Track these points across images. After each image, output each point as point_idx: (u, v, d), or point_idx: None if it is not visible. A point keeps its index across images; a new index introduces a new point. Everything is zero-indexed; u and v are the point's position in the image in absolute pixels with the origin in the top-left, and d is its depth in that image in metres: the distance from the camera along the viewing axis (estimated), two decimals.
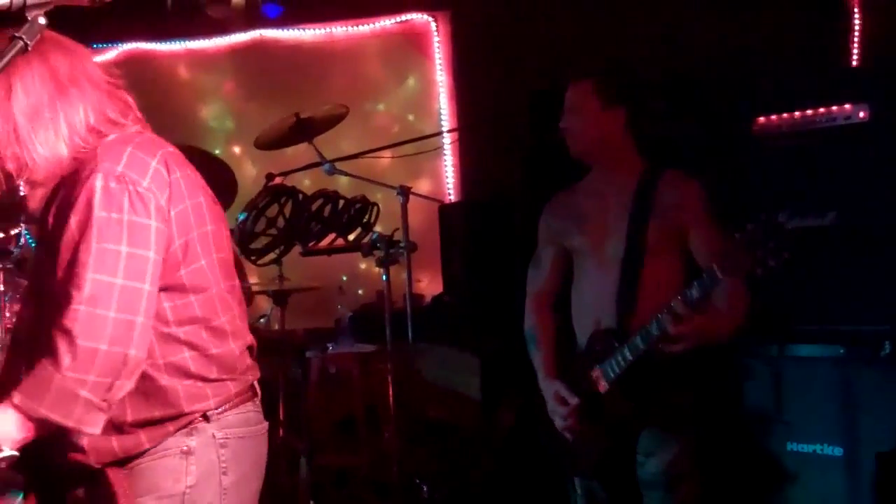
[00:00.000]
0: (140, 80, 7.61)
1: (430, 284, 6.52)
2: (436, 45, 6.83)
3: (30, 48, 1.64)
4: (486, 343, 5.55)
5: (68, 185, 2.14)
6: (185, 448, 2.22)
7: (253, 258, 4.81)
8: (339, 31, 6.93)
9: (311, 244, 4.91)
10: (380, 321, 5.04)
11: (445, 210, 6.28)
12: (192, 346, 2.24)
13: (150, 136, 2.30)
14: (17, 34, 1.62)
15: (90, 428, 2.03)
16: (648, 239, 3.41)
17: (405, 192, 4.99)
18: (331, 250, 5.04)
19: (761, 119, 4.42)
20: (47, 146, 2.12)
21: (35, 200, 2.21)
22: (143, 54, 7.14)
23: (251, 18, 6.79)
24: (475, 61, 6.59)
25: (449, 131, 6.64)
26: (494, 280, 5.86)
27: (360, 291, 6.53)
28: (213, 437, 2.25)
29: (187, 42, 7.11)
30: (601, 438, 3.45)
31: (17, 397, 1.99)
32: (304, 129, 5.03)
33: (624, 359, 3.28)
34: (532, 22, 6.28)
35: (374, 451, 5.27)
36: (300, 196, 4.83)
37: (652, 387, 3.34)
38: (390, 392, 4.95)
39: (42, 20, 1.65)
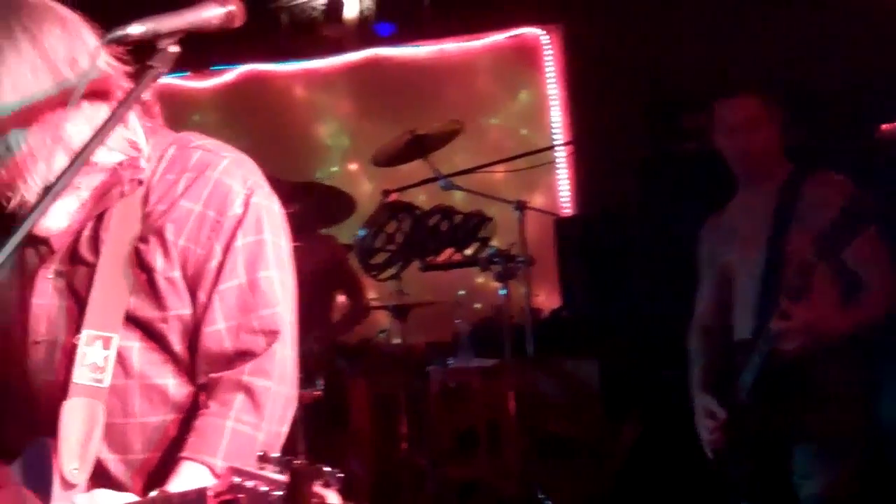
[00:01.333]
0: (257, 101, 7.84)
1: (546, 298, 6.49)
2: (548, 58, 6.82)
3: (163, 75, 1.67)
4: (606, 357, 5.51)
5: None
6: None
7: (373, 273, 4.88)
8: (452, 47, 6.97)
9: (429, 259, 4.96)
10: (499, 335, 5.06)
11: (562, 223, 6.26)
12: None
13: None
14: (149, 62, 1.66)
15: None
16: (790, 244, 3.31)
17: (522, 206, 5.01)
18: (449, 265, 5.08)
19: (885, 126, 4.31)
20: None
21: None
22: (260, 75, 7.28)
23: (364, 37, 6.88)
24: (588, 73, 6.55)
25: (562, 144, 6.62)
26: (613, 293, 5.82)
27: (477, 305, 6.52)
28: None
29: (303, 62, 7.24)
30: (748, 457, 3.37)
31: (219, 465, 1.77)
32: (420, 146, 5.09)
33: (756, 366, 3.22)
34: (645, 33, 6.21)
35: (495, 464, 5.27)
36: (418, 212, 4.88)
37: (805, 399, 3.24)
38: (511, 406, 4.96)
39: (173, 48, 1.69)
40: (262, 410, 1.83)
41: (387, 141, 5.27)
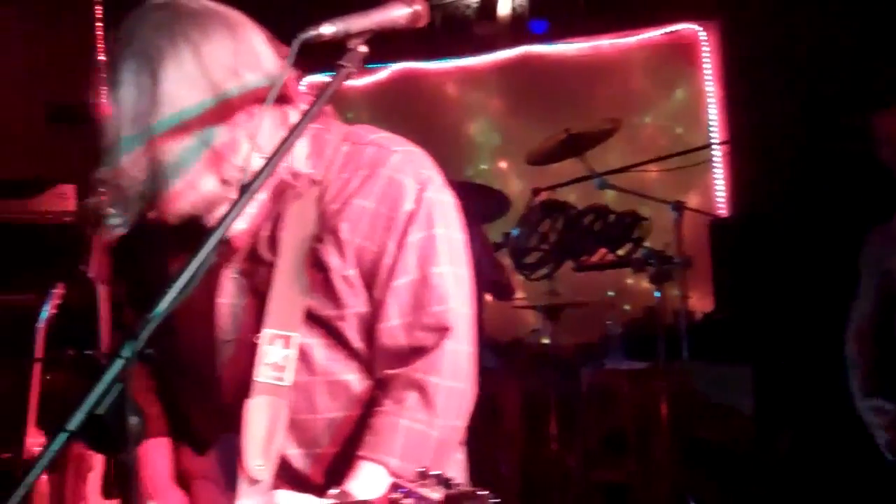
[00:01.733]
0: (410, 99, 7.93)
1: (699, 301, 6.36)
2: (705, 55, 6.67)
3: (353, 75, 1.68)
4: (760, 361, 5.38)
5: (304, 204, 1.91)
6: None
7: (526, 273, 4.87)
8: (606, 44, 6.89)
9: (583, 259, 4.91)
10: (651, 338, 4.98)
11: (716, 225, 6.12)
12: None
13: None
14: (341, 62, 1.67)
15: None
16: None
17: (680, 207, 4.92)
18: (603, 265, 5.02)
19: None
20: None
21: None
22: (413, 73, 7.34)
23: (517, 35, 6.86)
24: (746, 71, 6.38)
25: (719, 143, 6.48)
26: (769, 297, 5.67)
27: (626, 307, 6.45)
28: None
29: (455, 60, 7.26)
30: None
31: (394, 462, 1.79)
32: (574, 145, 5.06)
33: None
34: (806, 30, 6.03)
35: (644, 468, 5.20)
36: (572, 211, 4.84)
37: None
38: (663, 410, 4.89)
39: (363, 48, 1.71)
40: (434, 407, 1.83)
41: (539, 139, 5.26)
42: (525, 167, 5.79)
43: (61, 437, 1.21)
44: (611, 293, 6.49)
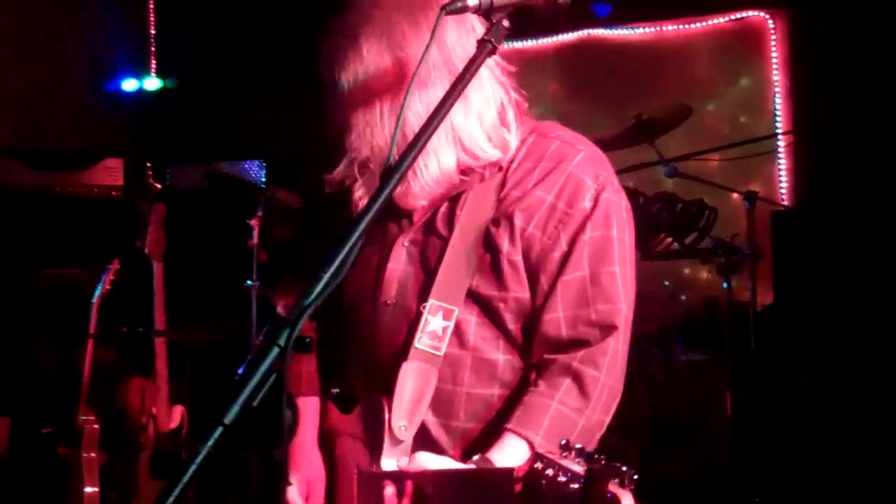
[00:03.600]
0: None
1: (759, 294, 6.24)
2: (772, 43, 6.51)
3: (496, 50, 1.61)
4: (819, 358, 5.27)
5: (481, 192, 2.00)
6: None
7: None
8: (670, 29, 6.74)
9: (650, 247, 4.81)
10: (712, 329, 4.90)
11: (779, 216, 5.99)
12: None
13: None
14: (484, 37, 1.60)
15: None
16: None
17: (753, 197, 4.81)
18: (670, 254, 4.92)
19: None
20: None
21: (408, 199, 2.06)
22: None
23: (579, 17, 6.73)
24: (813, 61, 6.24)
25: (784, 133, 6.34)
26: (833, 291, 5.55)
27: (682, 297, 6.34)
28: None
29: (513, 42, 7.12)
30: None
31: (538, 440, 1.88)
32: (644, 130, 4.94)
33: None
34: (874, 21, 5.88)
35: (702, 462, 5.12)
36: (641, 199, 4.74)
37: None
38: (722, 403, 4.80)
39: (505, 23, 1.62)
40: (588, 397, 1.91)
41: (598, 125, 5.17)
42: None
43: (217, 431, 1.13)
44: (667, 282, 6.40)
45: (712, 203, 4.97)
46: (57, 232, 6.16)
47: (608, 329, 1.94)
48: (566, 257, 1.94)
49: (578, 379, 1.91)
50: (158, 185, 6.70)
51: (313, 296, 1.25)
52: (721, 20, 6.64)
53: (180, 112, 7.49)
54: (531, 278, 1.96)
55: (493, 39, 1.61)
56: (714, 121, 6.70)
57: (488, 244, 1.96)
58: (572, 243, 1.95)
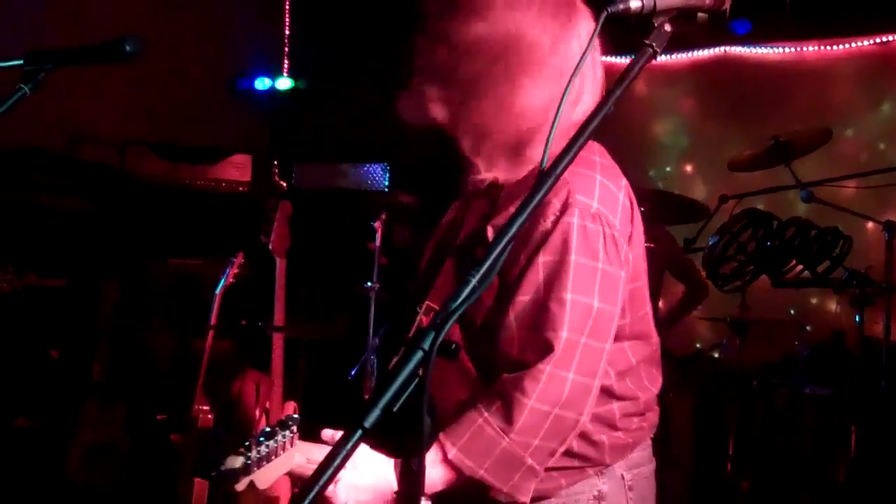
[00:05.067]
0: None
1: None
2: None
3: (658, 55, 1.53)
4: None
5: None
6: (596, 493, 2.06)
7: (720, 283, 4.63)
8: (811, 50, 6.54)
9: (782, 274, 4.66)
10: (839, 363, 4.73)
11: None
12: (621, 397, 2.07)
13: (607, 157, 2.08)
14: (646, 41, 1.52)
15: (523, 496, 1.90)
16: None
17: (892, 227, 4.62)
18: (800, 282, 4.75)
19: None
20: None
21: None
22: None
23: (717, 34, 6.58)
24: None
25: None
26: None
27: (808, 328, 6.13)
28: (622, 478, 2.09)
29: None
30: None
31: (452, 452, 1.87)
32: (782, 152, 4.79)
33: None
34: None
35: (823, 498, 4.93)
36: (775, 223, 4.58)
37: None
38: (848, 440, 4.62)
39: (668, 27, 1.55)
40: (512, 421, 1.85)
41: (732, 145, 5.03)
42: (711, 172, 5.53)
43: (356, 435, 1.08)
44: (792, 311, 6.20)
45: (847, 232, 4.78)
46: (184, 223, 6.27)
47: (547, 354, 1.85)
48: (521, 276, 1.90)
49: (507, 402, 1.86)
50: (284, 184, 6.77)
51: (461, 299, 1.20)
52: (864, 43, 6.42)
53: (309, 113, 7.58)
54: (499, 292, 1.95)
55: (654, 44, 1.52)
56: (851, 147, 6.46)
57: (474, 253, 1.99)
58: (528, 263, 1.90)
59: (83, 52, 2.00)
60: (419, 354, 1.14)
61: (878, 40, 6.38)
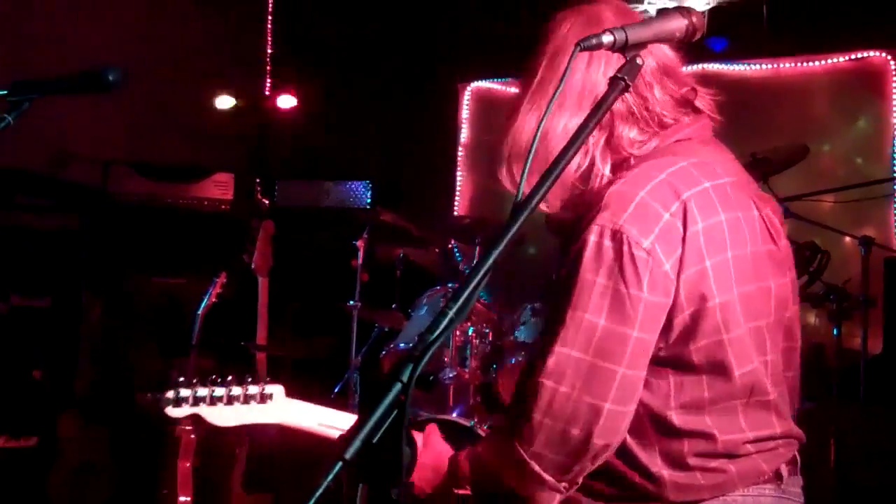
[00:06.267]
0: None
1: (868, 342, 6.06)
2: (893, 85, 6.32)
3: (630, 89, 1.57)
4: None
5: (578, 229, 1.92)
6: None
7: None
8: (787, 66, 6.61)
9: None
10: (818, 376, 4.77)
11: (893, 263, 5.81)
12: (689, 433, 1.92)
13: (691, 165, 1.98)
14: (618, 74, 1.56)
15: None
16: None
17: (868, 242, 4.68)
18: None
19: None
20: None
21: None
22: None
23: (694, 51, 6.62)
24: None
25: None
26: None
27: None
28: None
29: None
30: None
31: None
32: (758, 169, 4.83)
33: None
34: None
35: None
36: None
37: None
38: (827, 452, 4.66)
39: (639, 61, 1.59)
40: (514, 429, 1.94)
41: None
42: None
43: (336, 467, 1.11)
44: None
45: (824, 246, 4.83)
46: (167, 242, 6.28)
47: (541, 367, 1.88)
48: (548, 294, 2.03)
49: (510, 411, 2.04)
50: (267, 201, 6.79)
51: (437, 332, 1.23)
52: (840, 59, 6.47)
53: (291, 131, 7.61)
54: None
55: (626, 77, 1.56)
56: (829, 162, 6.51)
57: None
58: (557, 280, 1.96)
59: (66, 81, 2.03)
60: (398, 386, 1.17)
61: (853, 56, 6.44)
